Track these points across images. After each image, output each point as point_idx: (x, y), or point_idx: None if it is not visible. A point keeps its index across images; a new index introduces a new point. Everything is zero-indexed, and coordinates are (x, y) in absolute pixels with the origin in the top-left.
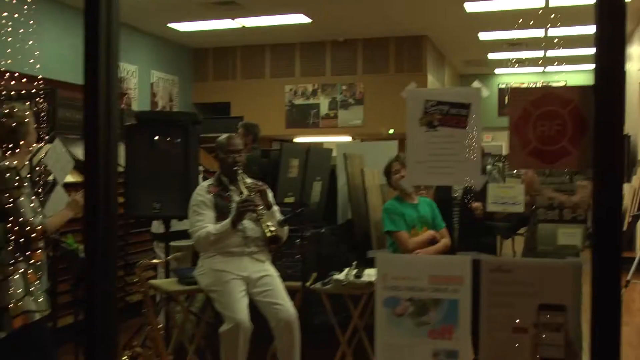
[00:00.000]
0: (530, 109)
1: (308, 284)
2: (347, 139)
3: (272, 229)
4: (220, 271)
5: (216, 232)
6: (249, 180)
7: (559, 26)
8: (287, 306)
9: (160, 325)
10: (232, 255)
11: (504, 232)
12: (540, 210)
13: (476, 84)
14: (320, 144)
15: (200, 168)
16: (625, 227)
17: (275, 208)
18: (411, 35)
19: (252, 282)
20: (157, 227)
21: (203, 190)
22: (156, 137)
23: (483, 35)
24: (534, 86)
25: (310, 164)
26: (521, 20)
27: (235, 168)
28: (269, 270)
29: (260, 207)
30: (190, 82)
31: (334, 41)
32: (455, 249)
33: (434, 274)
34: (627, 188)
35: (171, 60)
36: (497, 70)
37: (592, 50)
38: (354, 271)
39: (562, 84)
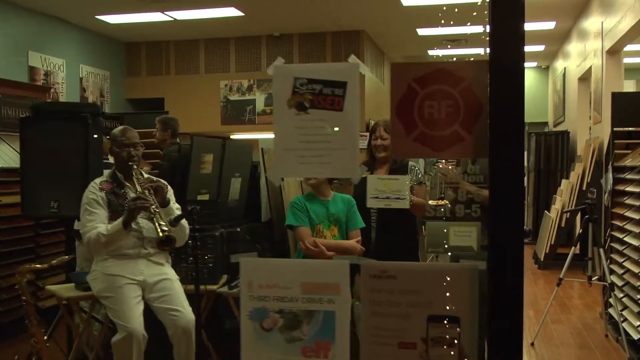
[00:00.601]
0: (416, 87)
1: (216, 287)
2: None
3: (165, 229)
4: (113, 275)
5: (107, 233)
6: (146, 176)
7: None
8: (186, 312)
9: (46, 337)
10: (127, 257)
11: None
12: (429, 206)
13: (352, 58)
14: (256, 141)
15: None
16: (563, 224)
17: (175, 206)
18: (348, 30)
19: (148, 286)
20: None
21: (95, 188)
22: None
23: (422, 31)
24: None
25: (228, 159)
26: (459, 15)
27: (130, 163)
28: (168, 273)
29: (153, 205)
30: (124, 77)
31: (269, 36)
32: (372, 251)
33: (307, 282)
34: (565, 184)
35: (102, 55)
36: None
37: (534, 48)
38: None
39: None
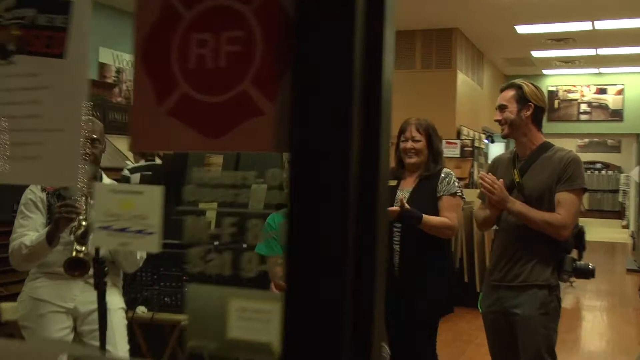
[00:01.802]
0: (177, 5)
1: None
2: None
3: (79, 248)
4: (39, 300)
5: (30, 244)
6: (108, 181)
7: (607, 19)
8: (119, 352)
9: None
10: (60, 277)
11: None
12: (195, 251)
13: None
14: None
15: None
16: None
17: None
18: (440, 27)
19: (80, 316)
20: None
21: (36, 187)
22: None
23: (521, 29)
24: (586, 89)
25: (245, 160)
26: (563, 10)
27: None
28: (108, 301)
29: (82, 217)
30: None
31: None
32: (395, 278)
33: None
34: None
35: None
36: (544, 71)
37: None
38: None
39: (618, 88)
